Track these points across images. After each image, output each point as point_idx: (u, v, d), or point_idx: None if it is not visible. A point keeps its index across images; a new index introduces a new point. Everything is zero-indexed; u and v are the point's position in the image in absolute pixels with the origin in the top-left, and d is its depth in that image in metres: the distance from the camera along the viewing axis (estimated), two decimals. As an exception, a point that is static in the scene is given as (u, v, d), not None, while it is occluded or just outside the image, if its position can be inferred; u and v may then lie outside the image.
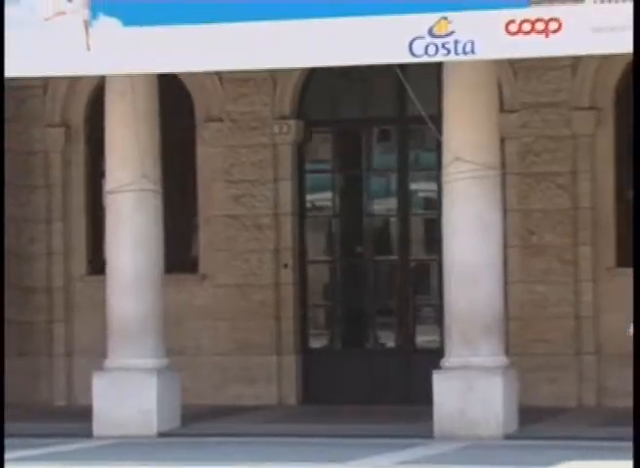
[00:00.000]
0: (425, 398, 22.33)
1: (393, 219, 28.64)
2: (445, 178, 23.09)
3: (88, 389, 24.15)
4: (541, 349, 25.69)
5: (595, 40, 21.25)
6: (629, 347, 24.16)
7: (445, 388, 22.25)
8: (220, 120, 28.60)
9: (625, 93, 26.35)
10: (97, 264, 27.25)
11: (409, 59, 21.97)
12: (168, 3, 22.82)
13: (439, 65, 23.10)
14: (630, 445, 20.47)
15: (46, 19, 23.06)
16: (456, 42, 21.23)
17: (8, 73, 24.87)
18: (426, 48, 21.36)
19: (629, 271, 24.83)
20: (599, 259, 26.51)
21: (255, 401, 27.20)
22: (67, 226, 29.13)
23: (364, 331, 28.60)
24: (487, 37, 21.27)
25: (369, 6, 21.92)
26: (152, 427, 23.60)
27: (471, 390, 22.11)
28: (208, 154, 28.61)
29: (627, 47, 21.56)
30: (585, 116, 27.06)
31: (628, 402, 23.93)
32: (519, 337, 25.29)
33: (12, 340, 27.98)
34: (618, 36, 21.17)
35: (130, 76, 24.28)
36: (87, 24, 22.54)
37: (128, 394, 23.59)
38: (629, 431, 21.37)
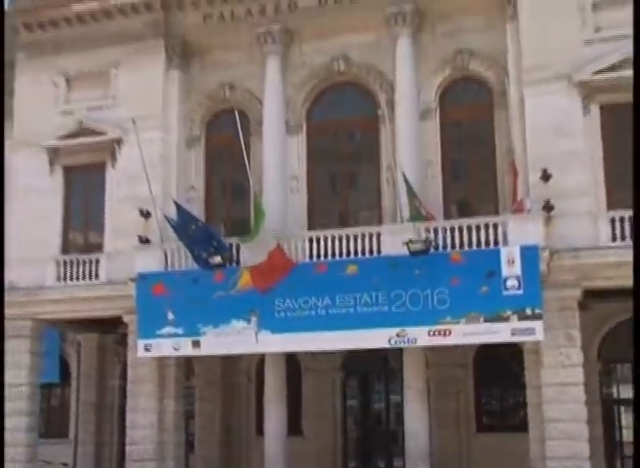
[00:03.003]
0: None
1: (384, 412, 27.81)
2: (405, 394, 23.34)
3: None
4: (446, 468, 24.73)
5: (469, 339, 21.43)
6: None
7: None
8: (313, 370, 27.18)
9: (480, 359, 25.72)
10: (260, 430, 25.99)
11: (388, 346, 21.99)
12: (290, 325, 22.31)
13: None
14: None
15: (241, 330, 22.70)
16: (408, 338, 21.54)
17: (219, 351, 23.92)
18: (396, 341, 21.65)
19: (484, 435, 25.66)
20: (469, 428, 25.68)
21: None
22: (246, 416, 28.27)
23: (371, 461, 27.59)
24: (421, 337, 21.38)
25: (370, 322, 21.54)
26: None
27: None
28: (308, 383, 27.30)
29: (488, 340, 21.42)
30: (448, 370, 25.64)
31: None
32: (436, 463, 23.93)
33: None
34: (479, 337, 21.39)
35: (274, 353, 24.05)
36: (256, 333, 22.64)
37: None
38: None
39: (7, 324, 25.86)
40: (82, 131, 26.78)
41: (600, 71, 22.17)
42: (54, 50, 27.70)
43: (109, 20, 27.15)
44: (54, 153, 27.07)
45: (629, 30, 21.66)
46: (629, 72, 21.41)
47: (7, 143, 27.86)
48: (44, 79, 27.59)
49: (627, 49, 21.65)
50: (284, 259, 22.78)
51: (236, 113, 24.23)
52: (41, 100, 27.42)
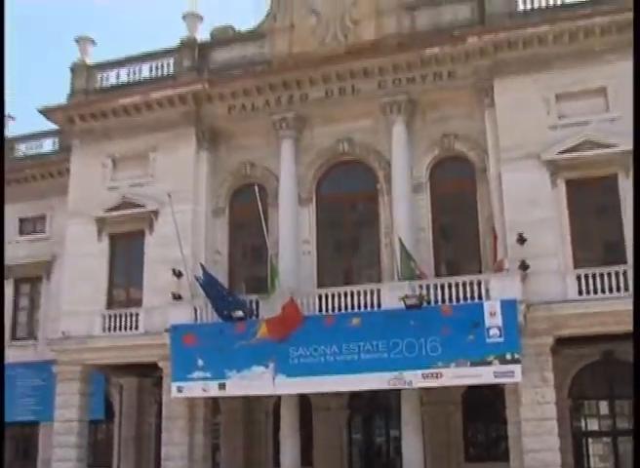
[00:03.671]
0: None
1: (384, 445, 27.02)
2: (402, 429, 22.86)
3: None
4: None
5: (458, 381, 21.17)
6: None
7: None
8: (322, 409, 26.29)
9: (467, 398, 24.98)
10: (276, 461, 25.12)
11: (387, 388, 21.68)
12: (302, 370, 22.18)
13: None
14: None
15: (260, 374, 22.55)
16: (405, 381, 21.29)
17: (242, 392, 23.30)
18: (394, 383, 21.44)
19: (472, 464, 24.98)
20: (458, 458, 25.04)
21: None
22: (265, 449, 27.29)
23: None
24: (416, 379, 21.24)
25: (372, 367, 21.44)
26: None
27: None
28: (318, 420, 26.29)
29: (474, 381, 21.13)
30: (440, 407, 24.87)
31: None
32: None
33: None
34: (466, 379, 21.09)
35: (289, 394, 23.64)
36: (273, 377, 22.37)
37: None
38: None
39: (60, 368, 26.05)
40: (125, 204, 27.01)
41: (563, 152, 22.53)
42: (103, 136, 28.02)
43: (149, 111, 27.40)
44: (101, 222, 27.19)
45: (587, 117, 22.49)
46: (587, 153, 22.11)
47: (63, 214, 28.30)
48: (94, 161, 27.84)
49: (585, 133, 22.34)
50: (296, 313, 22.68)
51: (256, 188, 24.46)
52: (92, 179, 27.68)
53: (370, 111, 25.53)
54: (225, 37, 27.95)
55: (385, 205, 24.23)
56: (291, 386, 22.73)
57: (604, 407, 24.05)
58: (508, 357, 20.59)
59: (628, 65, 21.17)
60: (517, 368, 20.56)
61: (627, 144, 21.23)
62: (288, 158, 26.28)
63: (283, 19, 26.92)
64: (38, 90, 66.03)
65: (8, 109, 32.91)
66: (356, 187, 26.23)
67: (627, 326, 18.94)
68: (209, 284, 23.79)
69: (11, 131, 33.48)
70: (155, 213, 26.50)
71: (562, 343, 21.79)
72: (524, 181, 22.59)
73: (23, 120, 34.64)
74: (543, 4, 23.95)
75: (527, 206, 22.39)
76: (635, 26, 19.77)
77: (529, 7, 24.12)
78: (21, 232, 31.58)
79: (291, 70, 25.95)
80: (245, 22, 28.18)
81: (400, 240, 22.92)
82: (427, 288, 22.10)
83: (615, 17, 22.52)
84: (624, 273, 21.07)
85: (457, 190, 24.96)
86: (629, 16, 21.70)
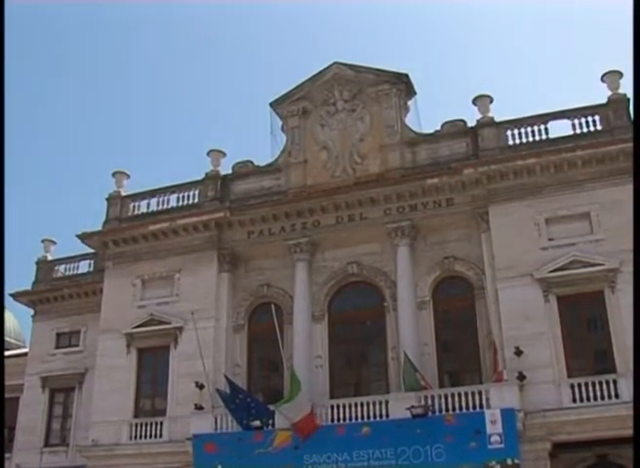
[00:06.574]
0: None
1: None
2: None
3: None
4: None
5: None
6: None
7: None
8: None
9: None
10: None
11: None
12: None
13: None
14: None
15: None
16: None
17: None
18: None
19: None
20: None
21: None
22: None
23: None
24: None
25: None
26: None
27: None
28: None
29: None
30: None
31: None
32: None
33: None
34: None
35: None
36: None
37: None
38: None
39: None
40: (152, 321, 27.66)
41: (554, 270, 23.44)
42: (133, 259, 29.05)
43: (176, 237, 28.47)
44: (130, 338, 27.76)
45: (574, 239, 23.53)
46: (576, 271, 23.04)
47: (95, 330, 28.97)
48: (125, 281, 28.76)
49: (573, 253, 23.34)
50: (313, 422, 22.98)
51: (272, 306, 25.29)
52: (122, 298, 28.47)
53: (376, 236, 26.49)
54: (245, 170, 29.22)
55: (392, 321, 24.90)
56: None
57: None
58: (509, 462, 20.71)
59: (608, 193, 23.15)
60: (518, 472, 20.66)
61: (611, 263, 22.62)
62: (302, 279, 27.02)
63: (297, 155, 28.47)
64: (77, 216, 68.57)
65: (50, 235, 34.22)
66: (365, 305, 26.67)
67: (619, 431, 20.01)
68: (232, 394, 23.96)
69: (52, 254, 34.37)
70: (180, 329, 27.06)
71: (559, 448, 21.94)
72: (519, 298, 23.23)
73: (63, 244, 35.53)
74: (530, 139, 25.36)
75: (522, 320, 22.96)
76: (635, 26, 19.34)
77: (517, 141, 25.58)
78: (58, 346, 31.80)
79: (304, 200, 27.18)
80: (263, 157, 29.17)
81: (405, 354, 23.26)
82: (432, 398, 22.35)
83: (594, 150, 23.88)
84: (614, 382, 21.60)
85: (457, 307, 25.44)
86: (607, 149, 23.55)
